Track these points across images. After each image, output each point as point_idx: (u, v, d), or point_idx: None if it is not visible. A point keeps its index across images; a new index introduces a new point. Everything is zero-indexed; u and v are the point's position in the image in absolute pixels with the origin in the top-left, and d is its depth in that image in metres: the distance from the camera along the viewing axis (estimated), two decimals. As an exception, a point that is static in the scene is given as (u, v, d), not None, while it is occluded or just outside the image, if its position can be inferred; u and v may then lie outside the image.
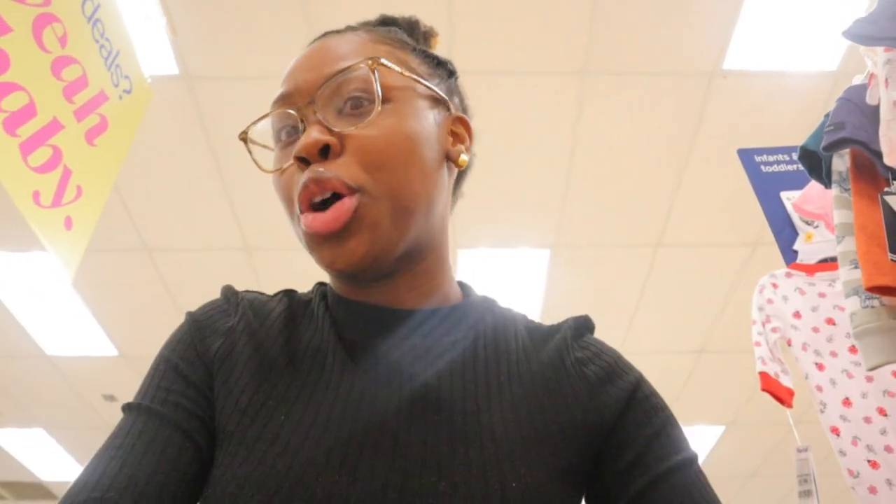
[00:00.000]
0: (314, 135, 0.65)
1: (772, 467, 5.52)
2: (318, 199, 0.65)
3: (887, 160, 1.02)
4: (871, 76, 1.18)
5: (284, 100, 0.70)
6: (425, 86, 0.73)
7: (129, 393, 0.69)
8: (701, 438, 5.18)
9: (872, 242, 1.07)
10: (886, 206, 1.05)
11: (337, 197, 0.64)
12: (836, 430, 1.46)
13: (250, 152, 0.74)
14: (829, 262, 1.64)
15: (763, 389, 1.60)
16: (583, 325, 0.75)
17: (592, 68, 2.83)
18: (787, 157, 1.90)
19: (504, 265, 3.86)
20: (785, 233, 1.73)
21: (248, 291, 0.77)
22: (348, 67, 0.68)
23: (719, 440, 5.23)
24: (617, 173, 3.31)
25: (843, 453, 1.45)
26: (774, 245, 3.67)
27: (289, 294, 0.77)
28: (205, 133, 2.98)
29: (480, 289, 0.80)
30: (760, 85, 2.93)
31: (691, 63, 2.83)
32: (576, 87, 2.90)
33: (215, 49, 2.71)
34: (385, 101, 0.68)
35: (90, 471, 0.60)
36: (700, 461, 0.67)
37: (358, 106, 0.68)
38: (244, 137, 0.73)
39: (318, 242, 0.66)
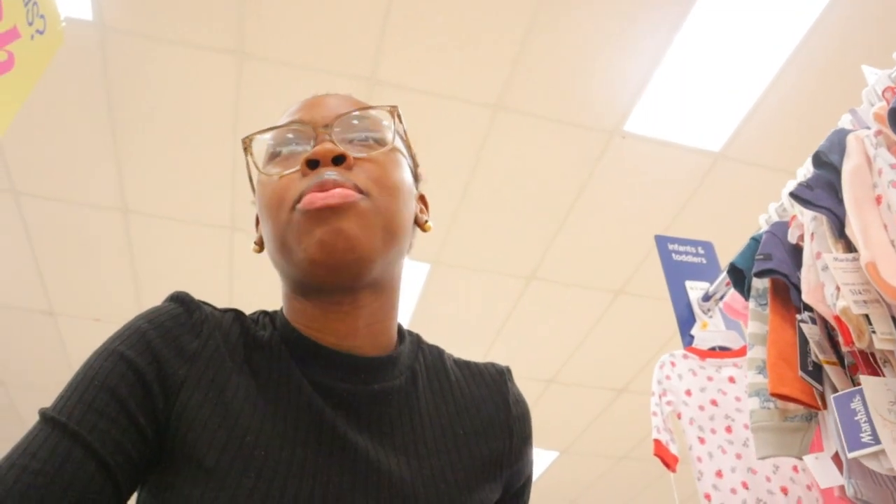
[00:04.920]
0: (329, 145, 0.69)
1: (594, 496, 5.89)
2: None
3: (805, 297, 1.21)
4: (793, 217, 1.39)
5: (297, 124, 0.73)
6: (412, 156, 0.80)
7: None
8: (536, 461, 5.45)
9: (780, 357, 1.25)
10: (801, 332, 1.23)
11: None
12: (708, 497, 1.67)
13: (252, 155, 0.74)
14: (717, 351, 1.85)
15: (655, 454, 1.80)
16: (510, 374, 0.87)
17: (506, 105, 2.96)
18: (694, 250, 2.08)
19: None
20: (685, 317, 1.92)
21: (203, 304, 0.74)
22: (371, 107, 0.74)
23: (552, 464, 5.53)
24: (507, 205, 3.45)
25: None
26: (634, 296, 3.96)
27: (240, 317, 0.75)
28: (105, 86, 2.84)
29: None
30: (652, 151, 3.17)
31: (598, 119, 3.01)
32: (486, 119, 3.02)
33: (135, 2, 2.60)
34: (389, 146, 0.74)
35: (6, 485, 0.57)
36: (533, 480, 0.84)
37: (366, 143, 0.73)
38: (248, 142, 0.73)
39: (315, 219, 0.65)
